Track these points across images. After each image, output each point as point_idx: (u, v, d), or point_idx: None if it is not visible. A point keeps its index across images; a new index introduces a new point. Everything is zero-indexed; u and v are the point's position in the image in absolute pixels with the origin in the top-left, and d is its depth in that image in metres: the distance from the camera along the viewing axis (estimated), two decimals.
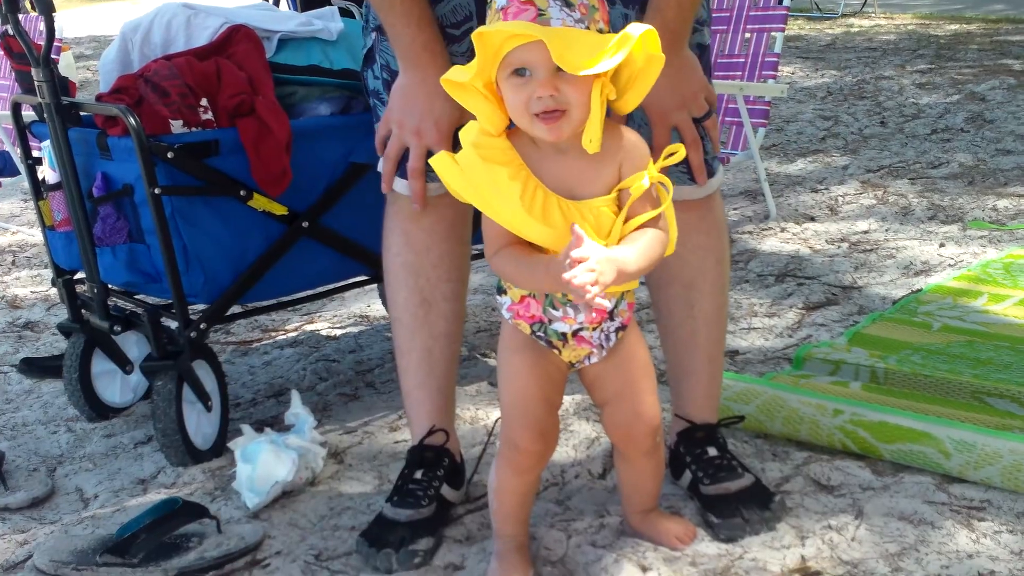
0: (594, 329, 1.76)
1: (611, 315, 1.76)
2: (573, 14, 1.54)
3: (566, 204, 1.63)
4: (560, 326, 1.75)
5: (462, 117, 1.93)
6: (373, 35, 2.09)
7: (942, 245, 3.71)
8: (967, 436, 2.12)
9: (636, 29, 1.53)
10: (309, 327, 3.36)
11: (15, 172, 4.71)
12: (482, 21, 2.02)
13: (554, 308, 1.73)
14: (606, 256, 1.56)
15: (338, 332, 3.31)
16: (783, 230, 4.02)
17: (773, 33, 4.15)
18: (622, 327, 1.79)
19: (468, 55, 2.03)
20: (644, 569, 1.87)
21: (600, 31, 1.56)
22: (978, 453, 2.09)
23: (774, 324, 3.08)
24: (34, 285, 4.00)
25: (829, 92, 7.01)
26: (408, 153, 2.01)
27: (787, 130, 5.87)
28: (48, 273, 4.07)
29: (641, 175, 1.65)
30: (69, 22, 16.01)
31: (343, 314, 3.45)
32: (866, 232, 3.93)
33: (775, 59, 4.11)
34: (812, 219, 4.15)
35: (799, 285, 3.39)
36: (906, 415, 2.22)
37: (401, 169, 2.03)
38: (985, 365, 2.61)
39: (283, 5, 4.19)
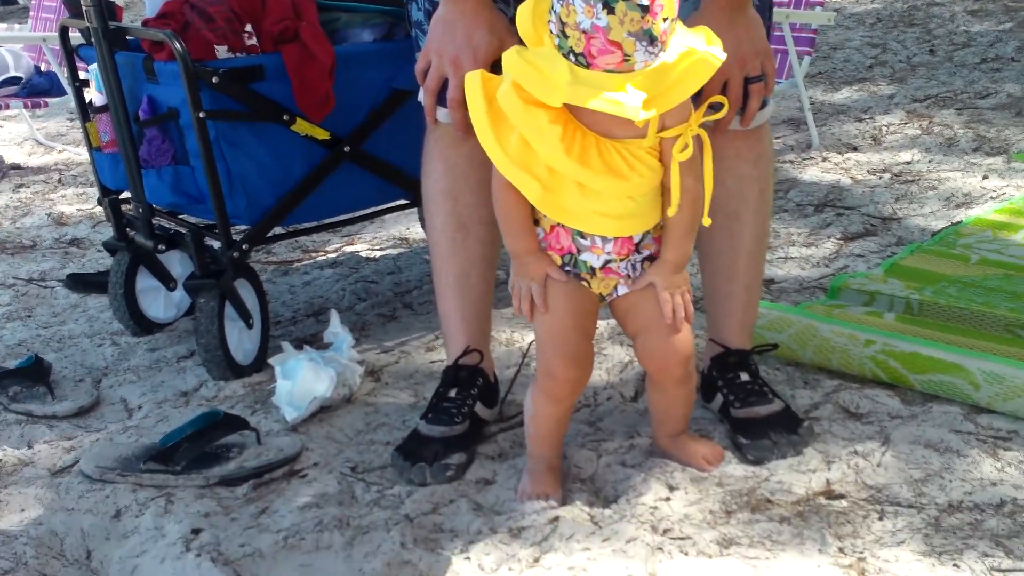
0: (621, 260, 1.79)
1: (637, 247, 1.78)
2: (653, 49, 1.55)
3: (605, 144, 1.65)
4: (588, 256, 1.78)
5: (501, 48, 1.95)
6: None
7: (985, 177, 3.68)
8: (997, 368, 2.13)
9: (713, 56, 1.60)
10: (349, 248, 3.41)
11: (62, 92, 4.76)
12: None
13: (582, 238, 1.76)
14: (671, 281, 1.79)
15: (377, 254, 3.36)
16: (825, 160, 4.00)
17: None
18: (649, 258, 1.81)
19: None
20: (671, 488, 1.91)
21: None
22: (1007, 385, 2.10)
23: (811, 254, 3.08)
24: (80, 203, 4.07)
25: (879, 18, 6.91)
26: (448, 83, 2.02)
27: (834, 57, 5.81)
28: (94, 191, 4.14)
29: (685, 127, 1.67)
30: None
31: (382, 236, 3.49)
32: (908, 163, 3.90)
33: None
34: (855, 149, 4.13)
35: (838, 215, 3.38)
36: (938, 346, 2.24)
37: (441, 98, 2.05)
38: (1021, 299, 2.60)
39: None
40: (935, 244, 3.04)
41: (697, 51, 1.60)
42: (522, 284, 1.82)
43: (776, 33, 4.13)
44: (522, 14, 1.66)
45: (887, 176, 3.77)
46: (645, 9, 1.52)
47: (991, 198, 3.47)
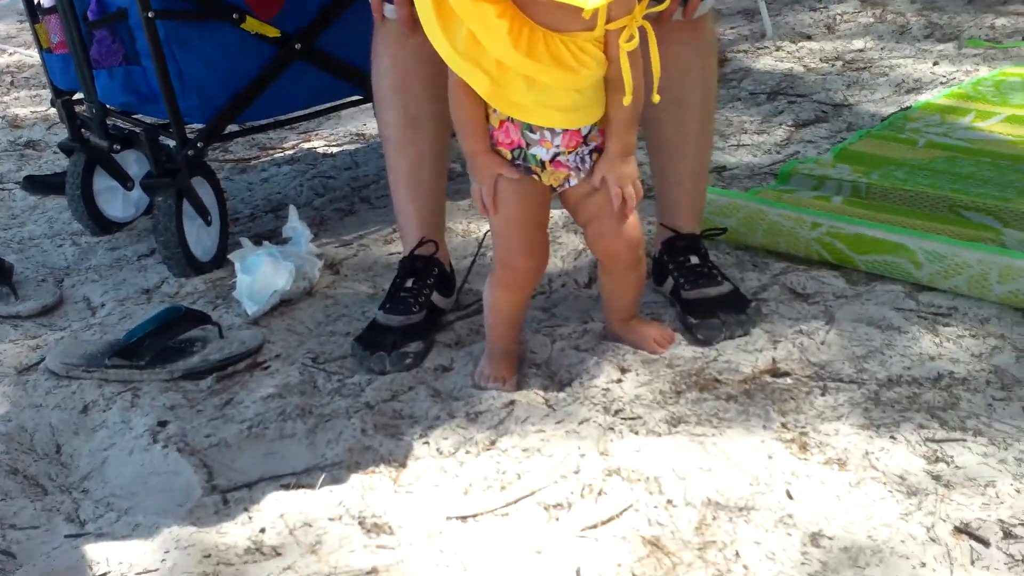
0: (570, 153, 1.82)
1: (585, 140, 1.82)
2: None
3: (552, 38, 1.67)
4: (538, 150, 1.81)
5: None
6: None
7: (936, 63, 3.72)
8: (938, 247, 2.19)
9: None
10: (306, 145, 3.42)
11: None
12: None
13: (531, 131, 1.79)
14: (622, 173, 1.82)
15: (335, 150, 3.37)
16: (778, 49, 4.02)
17: None
18: (596, 150, 1.84)
19: None
20: (623, 371, 1.98)
21: None
22: (948, 263, 2.16)
23: (763, 141, 3.13)
24: (34, 105, 4.04)
25: None
26: None
27: None
28: (47, 93, 4.09)
29: (630, 19, 1.69)
30: None
31: (339, 132, 3.50)
32: (861, 51, 3.93)
33: None
34: (808, 38, 4.15)
35: (790, 103, 3.42)
36: (881, 227, 2.30)
37: None
38: (965, 180, 2.66)
39: None
40: (884, 129, 3.09)
41: None
42: (477, 183, 1.86)
43: None
44: None
45: (839, 64, 3.80)
46: None
47: (941, 83, 3.51)
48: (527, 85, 1.72)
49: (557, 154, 1.81)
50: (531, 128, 1.79)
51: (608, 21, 1.70)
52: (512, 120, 1.79)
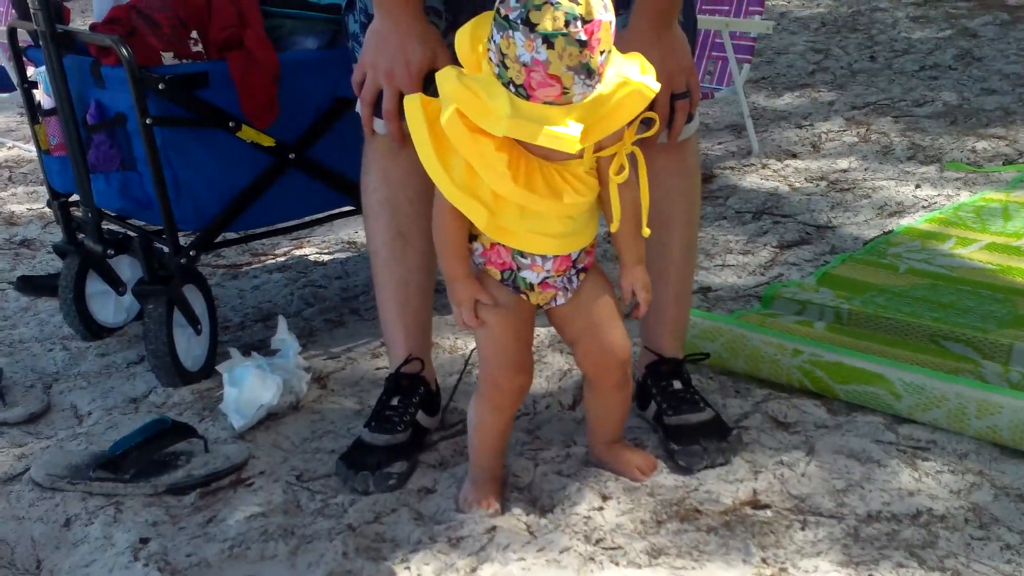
0: (558, 276, 1.86)
1: (574, 263, 1.86)
2: (591, 81, 1.60)
3: (547, 168, 1.71)
4: (528, 274, 1.85)
5: (433, 61, 2.01)
6: None
7: (918, 186, 3.79)
8: (917, 379, 2.23)
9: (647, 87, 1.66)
10: (298, 252, 3.46)
11: (11, 87, 4.75)
12: None
13: (523, 257, 1.83)
14: (644, 283, 1.90)
15: (326, 258, 3.41)
16: (764, 166, 4.10)
17: None
18: (583, 269, 1.89)
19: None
20: (604, 498, 1.99)
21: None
22: (927, 395, 2.20)
23: (748, 262, 3.18)
24: (30, 202, 4.08)
25: (823, 23, 7.04)
26: (383, 95, 2.08)
27: (777, 62, 5.92)
28: (44, 190, 4.14)
29: (619, 146, 1.74)
30: None
31: (331, 240, 3.54)
32: (845, 171, 4.01)
33: None
34: (794, 156, 4.23)
35: (775, 223, 3.48)
36: (861, 356, 2.33)
37: (377, 109, 2.11)
38: (946, 308, 2.71)
39: None
40: (866, 253, 3.14)
41: (631, 80, 1.66)
42: (455, 306, 1.89)
43: (717, 40, 4.22)
44: (460, 38, 1.71)
45: (824, 184, 3.87)
46: (583, 44, 1.57)
47: (923, 207, 3.58)
48: (520, 213, 1.76)
49: (546, 277, 1.85)
50: (522, 253, 1.83)
51: (598, 149, 1.75)
52: (503, 244, 1.83)
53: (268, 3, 2.58)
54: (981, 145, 4.25)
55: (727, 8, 4.19)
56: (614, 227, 1.81)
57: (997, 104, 4.85)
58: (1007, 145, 4.25)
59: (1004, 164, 4.01)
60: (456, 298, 1.87)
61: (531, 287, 1.87)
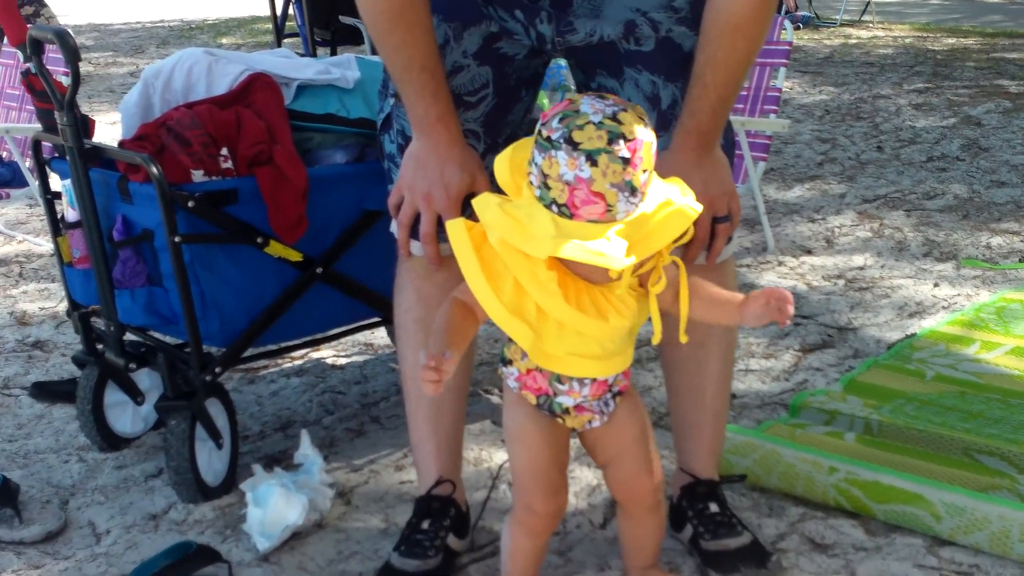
0: (595, 400, 1.83)
1: (610, 387, 1.84)
2: (634, 199, 1.61)
3: (593, 290, 1.70)
4: (565, 400, 1.83)
5: (472, 184, 2.01)
6: (391, 101, 2.16)
7: (936, 285, 3.78)
8: (958, 500, 2.19)
9: (690, 208, 1.66)
10: (315, 355, 3.43)
11: (24, 183, 4.75)
12: (499, 90, 2.10)
13: (560, 383, 1.81)
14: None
15: (343, 361, 3.38)
16: (780, 264, 4.09)
17: (776, 67, 4.21)
18: (619, 393, 1.86)
19: (482, 121, 2.10)
20: None
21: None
22: (968, 517, 2.16)
23: (771, 366, 3.15)
24: (42, 300, 4.05)
25: (827, 111, 7.08)
26: (420, 218, 2.07)
27: (785, 152, 5.94)
28: (56, 287, 4.13)
29: (657, 259, 1.72)
30: (67, 8, 16.02)
31: (348, 342, 3.51)
32: (862, 268, 4.00)
33: (777, 93, 4.18)
34: (809, 252, 4.23)
35: (796, 325, 3.46)
36: (899, 476, 2.30)
37: (414, 232, 2.10)
38: (976, 418, 2.68)
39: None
40: (891, 358, 3.12)
41: (674, 202, 1.66)
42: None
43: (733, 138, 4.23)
44: (500, 164, 1.71)
45: (841, 282, 3.86)
46: (626, 161, 1.58)
47: (943, 307, 3.56)
48: (559, 334, 1.73)
49: (582, 402, 1.83)
50: (560, 379, 1.80)
51: (637, 269, 1.73)
52: (539, 369, 1.81)
53: (297, 117, 2.57)
54: (995, 241, 4.25)
55: (742, 107, 4.21)
56: (656, 339, 1.79)
57: (1008, 197, 4.86)
58: (1021, 240, 4.25)
59: (1020, 261, 4.00)
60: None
61: (567, 411, 1.84)
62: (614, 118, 1.59)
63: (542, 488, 1.89)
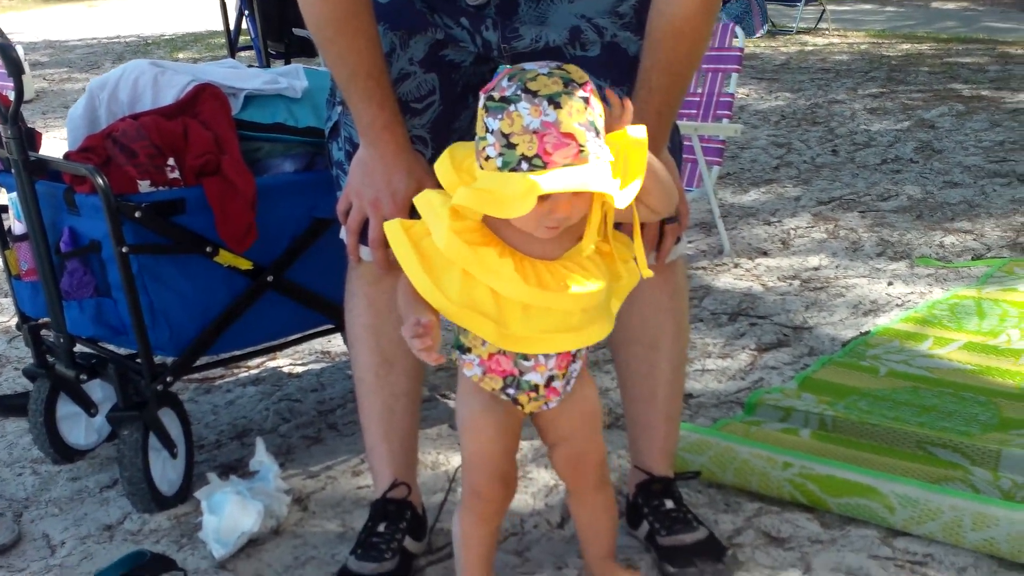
0: (563, 377, 1.83)
1: (574, 357, 1.83)
2: (599, 140, 1.61)
3: (552, 266, 1.70)
4: (532, 376, 1.81)
5: (419, 190, 2.00)
6: (339, 109, 2.16)
7: (890, 283, 3.81)
8: (911, 491, 2.21)
9: (635, 133, 1.66)
10: (271, 363, 3.41)
11: None
12: (446, 97, 2.10)
13: (525, 360, 1.79)
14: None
15: (299, 369, 3.36)
16: (736, 266, 4.11)
17: (728, 73, 4.24)
18: (579, 367, 1.87)
19: (429, 127, 2.10)
20: None
21: None
22: (921, 508, 2.17)
23: (727, 366, 3.16)
24: None
25: (783, 116, 7.14)
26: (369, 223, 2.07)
27: (741, 157, 5.98)
28: (7, 303, 4.09)
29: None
30: (23, 25, 15.92)
31: (304, 350, 3.49)
32: (817, 269, 4.03)
33: (730, 99, 4.20)
34: (765, 254, 4.25)
35: (751, 325, 3.47)
36: (853, 469, 2.31)
37: (363, 237, 2.10)
38: (929, 412, 2.70)
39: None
40: (845, 356, 3.14)
41: (619, 137, 1.66)
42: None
43: (686, 143, 4.25)
44: (441, 166, 1.71)
45: (797, 283, 3.88)
46: (585, 100, 1.60)
47: (897, 305, 3.59)
48: (524, 315, 1.71)
49: (552, 377, 1.81)
50: (525, 356, 1.79)
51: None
52: (503, 352, 1.79)
53: (245, 127, 2.56)
54: (949, 240, 4.29)
55: (695, 112, 4.23)
56: (643, 270, 1.77)
57: (960, 197, 4.92)
58: (974, 239, 4.29)
59: (973, 259, 4.05)
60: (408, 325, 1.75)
61: (535, 389, 1.82)
62: (560, 68, 1.62)
63: (491, 475, 1.88)
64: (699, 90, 4.29)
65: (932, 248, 4.21)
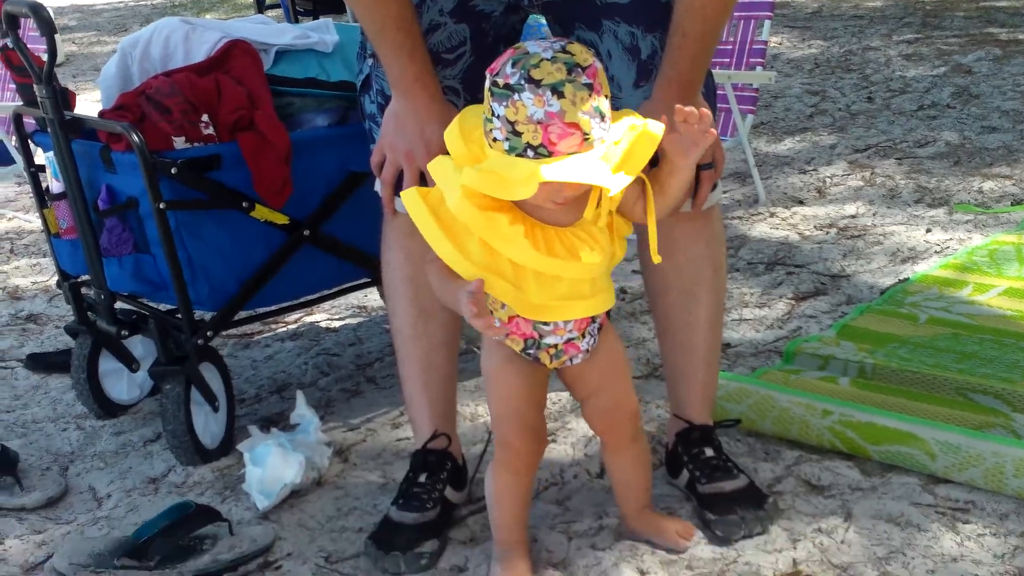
0: (582, 336, 1.84)
1: (593, 319, 1.85)
2: (604, 125, 1.63)
3: (563, 233, 1.71)
4: (552, 339, 1.83)
5: None
6: (370, 62, 2.15)
7: (928, 230, 3.78)
8: (952, 438, 2.20)
9: (653, 128, 1.67)
10: (308, 319, 3.43)
11: (10, 161, 4.74)
12: (477, 47, 2.09)
13: (545, 324, 1.81)
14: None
15: (337, 324, 3.38)
16: (772, 215, 4.08)
17: (760, 20, 4.19)
18: (599, 326, 1.87)
19: (461, 78, 2.09)
20: (642, 572, 1.96)
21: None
22: (962, 455, 2.16)
23: (765, 315, 3.15)
24: (34, 275, 4.05)
25: (816, 64, 7.05)
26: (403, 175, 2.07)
27: (775, 106, 5.92)
28: (47, 262, 4.13)
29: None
30: None
31: (341, 305, 3.51)
32: (854, 217, 4.00)
33: (763, 46, 4.15)
34: (801, 203, 4.22)
35: (788, 274, 3.46)
36: (893, 416, 2.30)
37: (398, 189, 2.10)
38: (970, 359, 2.68)
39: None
40: (884, 303, 3.12)
41: (636, 126, 1.66)
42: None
43: (719, 92, 4.21)
44: (451, 136, 1.72)
45: (834, 231, 3.85)
46: (590, 87, 1.60)
47: (935, 252, 3.56)
48: (538, 281, 1.74)
49: (571, 338, 1.83)
50: (544, 320, 1.81)
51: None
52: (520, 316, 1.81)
53: (277, 83, 2.56)
54: (987, 185, 4.24)
55: (728, 60, 4.19)
56: (654, 256, 1.77)
57: (999, 142, 4.85)
58: (1013, 184, 4.24)
59: (1012, 204, 4.00)
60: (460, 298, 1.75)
61: (556, 348, 1.84)
62: (564, 51, 1.62)
63: (520, 426, 1.91)
64: (731, 38, 4.23)
65: (971, 194, 4.16)
